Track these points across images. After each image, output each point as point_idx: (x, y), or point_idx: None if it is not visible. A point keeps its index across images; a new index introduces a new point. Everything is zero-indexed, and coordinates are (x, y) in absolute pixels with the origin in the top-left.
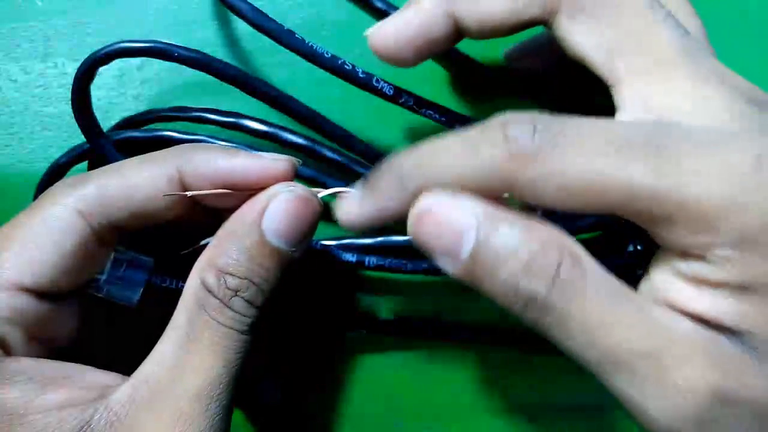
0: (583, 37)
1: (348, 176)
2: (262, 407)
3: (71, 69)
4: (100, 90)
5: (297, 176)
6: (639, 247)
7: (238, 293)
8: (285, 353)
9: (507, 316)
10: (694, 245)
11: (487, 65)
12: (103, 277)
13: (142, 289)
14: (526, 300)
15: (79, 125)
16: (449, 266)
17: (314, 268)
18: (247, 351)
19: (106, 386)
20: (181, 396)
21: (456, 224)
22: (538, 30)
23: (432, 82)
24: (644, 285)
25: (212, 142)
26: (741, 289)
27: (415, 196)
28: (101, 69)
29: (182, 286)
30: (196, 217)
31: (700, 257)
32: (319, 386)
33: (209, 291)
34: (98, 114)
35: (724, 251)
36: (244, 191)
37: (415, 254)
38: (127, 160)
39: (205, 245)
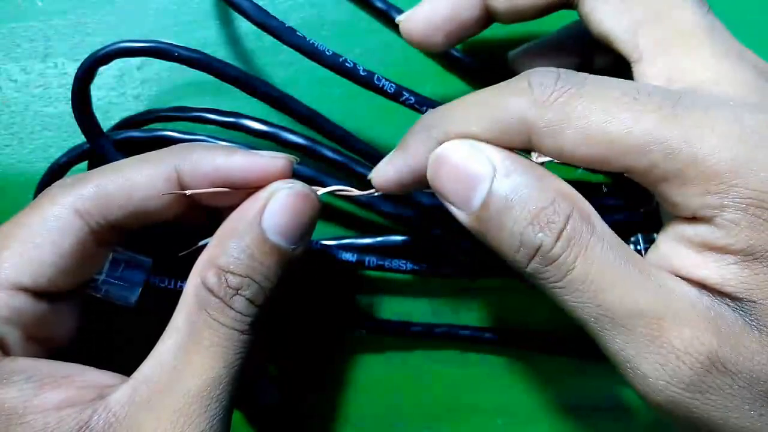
0: (608, 14)
1: (348, 176)
2: (260, 407)
3: (71, 69)
4: (100, 90)
5: (297, 176)
6: (639, 247)
7: (239, 292)
8: (285, 353)
9: (507, 316)
10: (703, 206)
11: (489, 65)
12: (101, 278)
13: (140, 290)
14: (531, 250)
15: (79, 125)
16: (461, 215)
17: (314, 268)
18: (247, 351)
19: (105, 386)
20: (180, 396)
21: (470, 172)
22: (541, 29)
23: (433, 81)
24: (651, 254)
25: (212, 142)
26: (746, 255)
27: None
28: (101, 69)
29: (181, 287)
30: (195, 217)
31: (708, 220)
32: (319, 386)
33: (210, 290)
34: (98, 114)
35: (732, 214)
36: (242, 189)
37: (415, 254)
38: (125, 159)
39: (203, 246)
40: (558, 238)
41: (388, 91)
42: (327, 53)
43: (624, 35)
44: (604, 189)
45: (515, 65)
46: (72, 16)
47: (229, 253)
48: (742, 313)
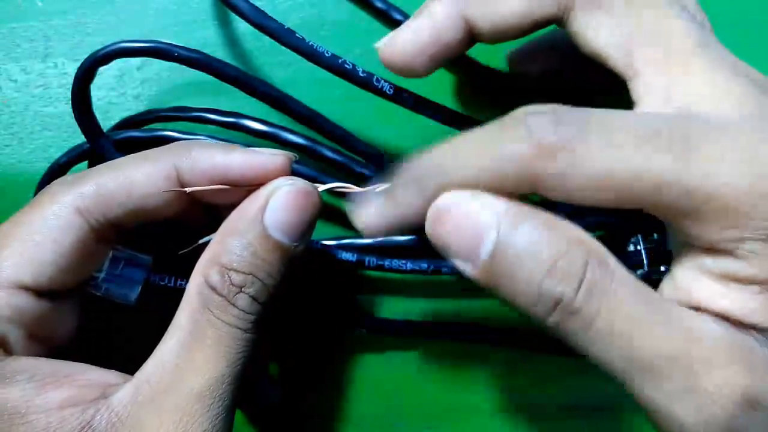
0: (599, 32)
1: (348, 176)
2: (261, 407)
3: (71, 69)
4: (100, 90)
5: (296, 176)
6: (639, 247)
7: (242, 290)
8: (285, 353)
9: (507, 316)
10: (723, 239)
11: (488, 66)
12: (102, 276)
13: (140, 288)
14: (550, 303)
15: (79, 125)
16: (468, 268)
17: (314, 268)
18: (250, 350)
19: (108, 385)
20: (183, 396)
21: (475, 223)
22: (541, 32)
23: (433, 82)
24: (666, 284)
25: (211, 141)
26: None
27: (434, 198)
28: (101, 69)
29: (181, 285)
30: (194, 215)
31: (729, 252)
32: (319, 386)
33: (213, 288)
34: (98, 114)
35: (753, 245)
36: (242, 187)
37: (415, 254)
38: (124, 157)
39: (203, 244)
40: (579, 288)
41: (387, 92)
42: (326, 54)
43: (617, 53)
44: None
45: (514, 65)
46: (72, 16)
47: (232, 251)
48: None
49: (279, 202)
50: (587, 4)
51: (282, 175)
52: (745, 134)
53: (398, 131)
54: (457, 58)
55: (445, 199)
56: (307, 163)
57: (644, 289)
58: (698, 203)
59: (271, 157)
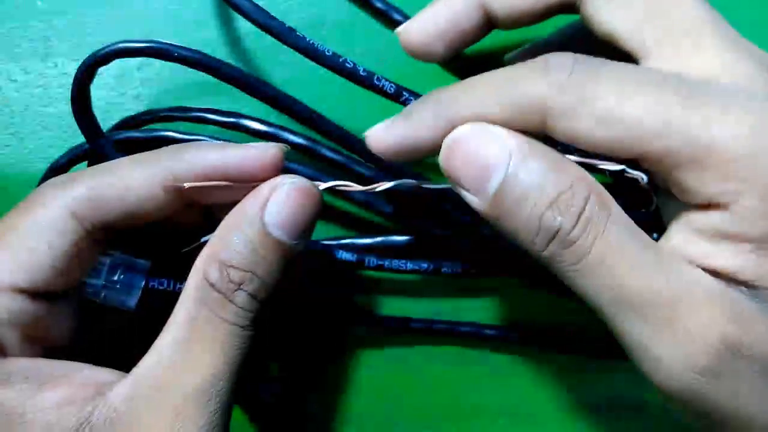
0: (612, 14)
1: (348, 176)
2: (261, 406)
3: (71, 69)
4: (100, 90)
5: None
6: None
7: (241, 287)
8: (285, 353)
9: (507, 316)
10: (720, 192)
11: (488, 67)
12: (100, 282)
13: (139, 293)
14: (550, 234)
15: (79, 125)
16: (475, 201)
17: (314, 268)
18: (249, 348)
19: (105, 383)
20: (180, 392)
21: (486, 157)
22: (538, 34)
23: (433, 82)
24: (661, 244)
25: (208, 141)
26: (762, 242)
27: (449, 126)
28: (101, 69)
29: (179, 288)
30: (191, 218)
31: (723, 207)
32: (319, 386)
33: (211, 285)
34: (98, 114)
35: (749, 201)
36: (239, 183)
37: (415, 254)
38: (117, 160)
39: (205, 243)
40: (577, 222)
41: (388, 91)
42: (327, 53)
43: (629, 33)
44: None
45: None
46: (72, 16)
47: (232, 248)
48: (758, 300)
49: (279, 200)
50: None
51: (276, 165)
52: (752, 99)
53: None
54: (458, 57)
55: (459, 131)
56: (307, 164)
57: (639, 232)
58: (700, 152)
59: (264, 150)
